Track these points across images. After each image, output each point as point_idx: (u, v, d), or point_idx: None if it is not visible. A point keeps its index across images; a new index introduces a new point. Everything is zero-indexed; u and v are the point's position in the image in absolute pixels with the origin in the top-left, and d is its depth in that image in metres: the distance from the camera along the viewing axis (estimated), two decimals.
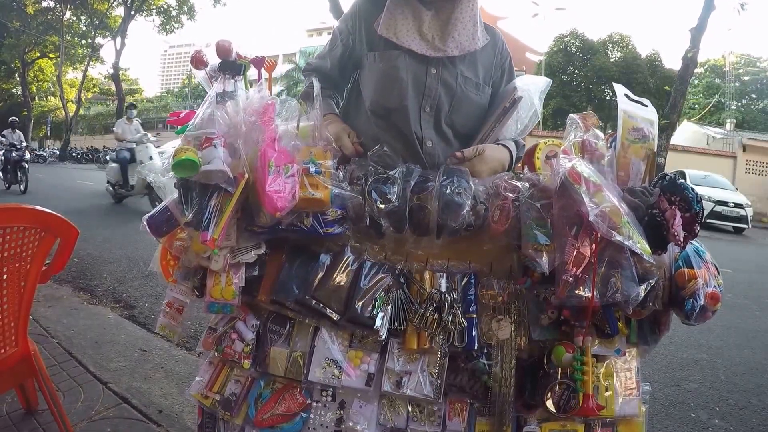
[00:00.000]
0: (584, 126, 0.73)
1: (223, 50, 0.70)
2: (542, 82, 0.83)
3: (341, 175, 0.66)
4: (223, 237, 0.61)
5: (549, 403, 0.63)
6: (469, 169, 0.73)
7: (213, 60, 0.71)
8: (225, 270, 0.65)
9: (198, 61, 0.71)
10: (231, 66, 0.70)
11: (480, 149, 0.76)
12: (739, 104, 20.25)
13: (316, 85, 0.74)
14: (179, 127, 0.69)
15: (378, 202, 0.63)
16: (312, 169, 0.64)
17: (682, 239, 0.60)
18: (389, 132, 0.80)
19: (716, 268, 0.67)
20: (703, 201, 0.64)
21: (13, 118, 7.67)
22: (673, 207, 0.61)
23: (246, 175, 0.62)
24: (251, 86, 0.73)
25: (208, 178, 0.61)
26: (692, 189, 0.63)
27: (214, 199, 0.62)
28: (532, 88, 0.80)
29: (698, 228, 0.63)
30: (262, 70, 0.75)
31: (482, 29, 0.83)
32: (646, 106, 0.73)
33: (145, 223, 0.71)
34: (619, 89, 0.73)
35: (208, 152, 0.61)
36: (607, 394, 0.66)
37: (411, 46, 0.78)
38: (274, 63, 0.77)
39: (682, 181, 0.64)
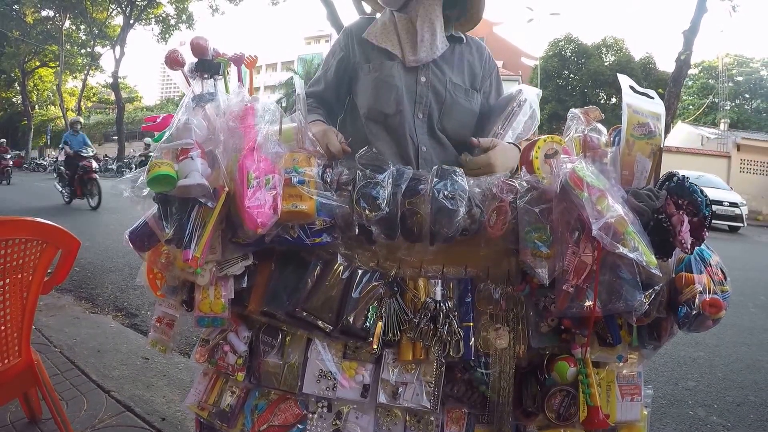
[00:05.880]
0: (586, 120, 0.70)
1: (199, 48, 0.64)
2: (536, 92, 0.87)
3: (328, 179, 0.63)
4: (205, 255, 0.58)
5: (549, 411, 0.61)
6: (485, 161, 0.75)
7: (190, 59, 0.66)
8: (212, 283, 0.62)
9: (173, 62, 0.65)
10: (209, 65, 0.65)
11: (495, 141, 0.78)
12: (733, 104, 20.41)
13: (298, 83, 0.71)
14: (156, 134, 0.64)
15: (366, 209, 0.60)
16: (295, 180, 0.60)
17: (689, 246, 0.57)
18: (385, 139, 0.82)
19: (723, 273, 0.63)
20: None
21: None
22: (681, 212, 0.57)
23: (226, 188, 0.57)
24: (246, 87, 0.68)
25: (186, 193, 0.57)
26: (701, 191, 0.59)
27: (194, 214, 0.57)
28: (530, 96, 0.84)
29: (706, 233, 0.59)
30: (243, 68, 0.69)
31: (443, 35, 0.84)
32: (653, 98, 0.68)
33: (127, 237, 0.67)
34: (624, 81, 0.68)
35: (184, 165, 0.56)
36: (609, 400, 0.64)
37: (387, 47, 0.83)
38: (254, 59, 0.71)
39: (691, 183, 0.60)
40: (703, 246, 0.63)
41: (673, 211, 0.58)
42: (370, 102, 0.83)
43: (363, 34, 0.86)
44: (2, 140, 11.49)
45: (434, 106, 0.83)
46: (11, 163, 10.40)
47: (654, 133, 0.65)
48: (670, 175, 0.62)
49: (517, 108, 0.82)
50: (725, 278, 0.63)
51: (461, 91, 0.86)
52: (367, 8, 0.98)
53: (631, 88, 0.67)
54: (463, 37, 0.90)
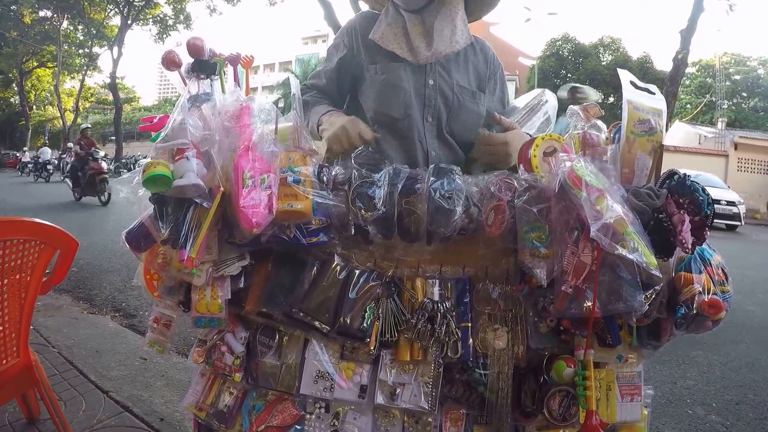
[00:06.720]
0: (585, 117, 0.69)
1: (195, 49, 0.64)
2: (556, 102, 0.90)
3: (324, 178, 0.63)
4: (201, 255, 0.58)
5: (548, 412, 0.61)
6: (502, 139, 0.76)
7: (187, 60, 0.66)
8: (209, 284, 0.62)
9: (170, 62, 0.65)
10: (205, 65, 0.65)
11: (515, 124, 0.80)
12: (730, 103, 20.49)
13: (294, 83, 0.70)
14: (153, 134, 0.64)
15: (362, 209, 0.59)
16: (290, 179, 0.60)
17: (690, 246, 0.56)
18: (392, 143, 0.81)
19: (724, 273, 0.62)
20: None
21: None
22: (682, 211, 0.56)
23: (221, 188, 0.57)
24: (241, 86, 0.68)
25: (181, 193, 0.57)
26: (703, 190, 0.58)
27: (190, 214, 0.57)
28: (551, 100, 0.88)
29: (707, 232, 0.58)
30: (239, 67, 0.69)
31: (464, 30, 0.85)
32: (653, 93, 0.67)
33: (123, 238, 0.67)
34: (625, 76, 0.66)
35: (180, 165, 0.56)
36: (609, 400, 0.64)
37: (395, 50, 0.82)
38: (251, 59, 0.72)
39: (692, 181, 0.59)
40: (704, 245, 0.62)
41: (674, 210, 0.57)
42: (377, 105, 0.82)
43: (368, 34, 0.85)
44: (86, 126, 7.11)
45: (442, 109, 0.83)
46: (106, 167, 6.12)
47: (655, 129, 0.63)
48: (671, 174, 0.61)
49: (537, 104, 0.84)
50: (726, 278, 0.62)
51: (468, 93, 0.86)
52: (364, 6, 0.97)
53: (632, 83, 0.65)
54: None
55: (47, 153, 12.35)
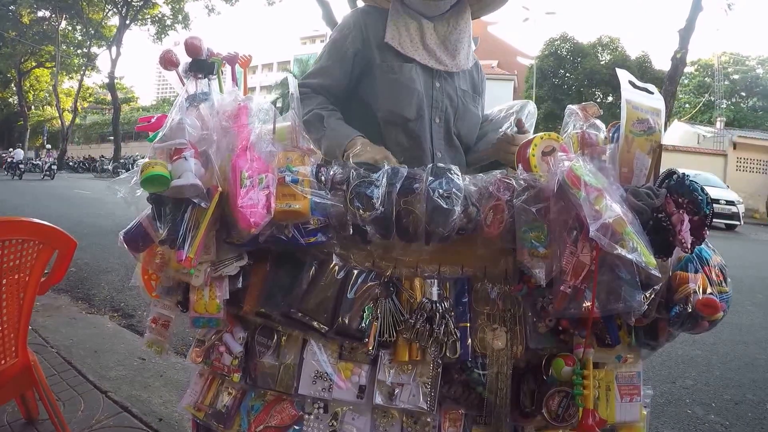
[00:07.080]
0: (584, 117, 0.69)
1: (193, 48, 0.64)
2: (535, 113, 0.94)
3: (322, 178, 0.62)
4: (199, 255, 0.57)
5: (547, 412, 0.60)
6: (519, 142, 0.77)
7: (185, 59, 0.65)
8: (207, 284, 0.62)
9: (168, 62, 0.65)
10: (203, 65, 0.65)
11: (527, 128, 0.83)
12: (729, 102, 20.54)
13: (292, 82, 0.69)
14: (151, 134, 0.64)
15: (360, 209, 0.59)
16: (288, 179, 0.59)
17: (689, 246, 0.55)
18: (404, 144, 0.81)
19: (723, 274, 0.61)
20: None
21: None
22: (681, 211, 0.56)
23: (219, 188, 0.57)
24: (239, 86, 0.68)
25: (179, 193, 0.56)
26: (702, 189, 0.58)
27: (188, 214, 0.57)
28: (532, 112, 0.90)
29: (707, 232, 0.58)
30: (237, 67, 0.69)
31: (471, 50, 0.89)
32: (652, 93, 0.67)
33: (122, 238, 0.67)
34: (623, 75, 0.66)
35: (178, 165, 0.56)
36: (608, 400, 0.64)
37: (415, 57, 0.81)
38: (248, 59, 0.71)
39: (691, 180, 0.59)
40: (703, 245, 0.62)
41: (673, 209, 0.56)
42: (390, 105, 0.81)
43: (376, 29, 0.83)
44: None
45: (449, 111, 0.84)
46: None
47: (653, 129, 0.63)
48: (670, 173, 0.61)
49: (519, 111, 0.86)
50: (725, 279, 0.61)
51: (470, 97, 0.88)
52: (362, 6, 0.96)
53: (631, 83, 0.66)
54: None
55: (20, 154, 15.19)
